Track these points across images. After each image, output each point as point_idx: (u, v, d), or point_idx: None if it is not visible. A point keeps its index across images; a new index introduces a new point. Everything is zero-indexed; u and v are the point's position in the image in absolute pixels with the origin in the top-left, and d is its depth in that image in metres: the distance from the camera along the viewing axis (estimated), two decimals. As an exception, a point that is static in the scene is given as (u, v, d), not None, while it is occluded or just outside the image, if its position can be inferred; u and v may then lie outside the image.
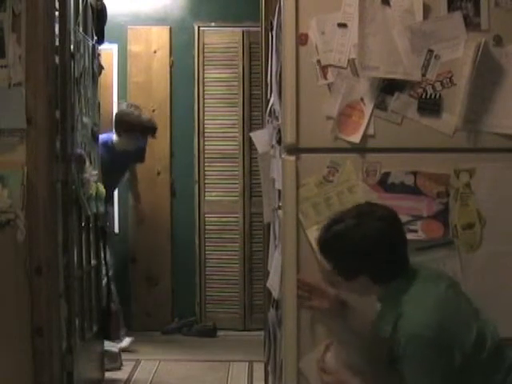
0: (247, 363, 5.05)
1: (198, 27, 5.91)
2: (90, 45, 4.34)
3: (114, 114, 5.47)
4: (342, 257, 2.39)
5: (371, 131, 2.63)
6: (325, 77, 2.63)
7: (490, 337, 2.32)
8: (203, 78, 5.87)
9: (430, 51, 2.60)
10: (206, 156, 5.85)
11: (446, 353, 2.24)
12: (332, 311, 2.57)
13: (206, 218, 5.86)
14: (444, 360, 2.24)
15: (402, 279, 2.37)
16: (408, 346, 2.24)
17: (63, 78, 3.75)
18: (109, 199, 5.05)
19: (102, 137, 5.01)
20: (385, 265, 2.37)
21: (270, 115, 3.34)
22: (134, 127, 5.29)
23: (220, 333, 5.71)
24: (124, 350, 5.09)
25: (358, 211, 2.41)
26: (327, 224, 2.43)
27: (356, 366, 2.55)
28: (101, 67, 4.61)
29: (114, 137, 5.33)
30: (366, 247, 2.34)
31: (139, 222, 5.71)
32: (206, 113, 5.84)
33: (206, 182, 5.85)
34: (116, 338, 4.81)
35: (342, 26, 2.62)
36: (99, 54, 4.56)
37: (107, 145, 5.21)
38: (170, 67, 5.92)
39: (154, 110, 5.86)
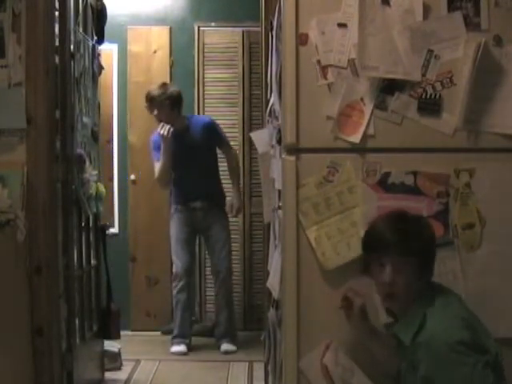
0: (247, 363, 5.05)
1: (198, 27, 5.91)
2: (90, 45, 4.34)
3: None
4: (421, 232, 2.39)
5: (371, 131, 2.63)
6: (325, 77, 2.63)
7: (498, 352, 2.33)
8: (203, 78, 5.88)
9: (430, 51, 2.60)
10: (206, 156, 5.84)
11: (477, 358, 2.24)
12: (355, 323, 2.56)
13: (206, 218, 5.86)
14: (476, 363, 2.24)
15: (425, 292, 2.37)
16: (441, 353, 2.23)
17: (63, 78, 3.75)
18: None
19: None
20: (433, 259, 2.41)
21: (270, 115, 3.34)
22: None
23: (220, 333, 5.71)
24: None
25: (407, 216, 2.43)
26: (393, 219, 2.42)
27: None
28: (101, 67, 4.61)
29: None
30: (429, 244, 2.40)
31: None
32: (206, 113, 5.83)
33: (207, 181, 5.84)
34: (116, 337, 4.81)
35: (342, 25, 2.62)
36: (99, 54, 4.56)
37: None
38: (170, 67, 5.93)
39: (154, 110, 5.86)
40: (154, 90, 5.24)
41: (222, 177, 5.51)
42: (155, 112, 5.22)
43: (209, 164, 5.40)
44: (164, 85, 5.32)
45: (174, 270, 5.36)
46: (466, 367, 2.22)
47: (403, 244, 2.36)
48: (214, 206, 5.37)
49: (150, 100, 5.22)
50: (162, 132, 5.16)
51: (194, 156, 5.27)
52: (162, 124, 5.18)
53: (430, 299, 2.34)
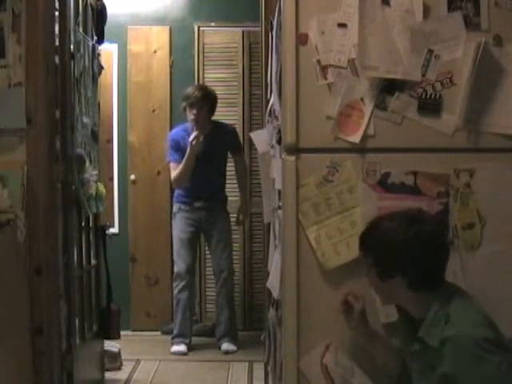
0: (247, 363, 5.05)
1: (198, 27, 5.91)
2: (90, 45, 4.34)
3: None
4: (387, 253, 2.34)
5: (371, 131, 2.62)
6: (325, 77, 2.63)
7: None
8: (203, 78, 5.88)
9: (430, 51, 2.60)
10: (206, 156, 5.83)
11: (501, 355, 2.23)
12: (355, 327, 2.55)
13: (206, 218, 5.85)
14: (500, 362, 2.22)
15: (442, 293, 2.34)
16: (467, 349, 2.21)
17: (63, 77, 3.75)
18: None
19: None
20: (425, 271, 2.34)
21: (269, 115, 3.34)
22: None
23: (220, 333, 5.71)
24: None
25: (409, 213, 2.40)
26: (375, 220, 2.41)
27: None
28: (101, 67, 4.61)
29: None
30: (415, 246, 2.31)
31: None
32: (205, 113, 5.84)
33: (206, 181, 5.83)
34: (116, 337, 4.81)
35: (342, 26, 2.62)
36: (99, 54, 4.56)
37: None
38: (170, 67, 5.93)
39: (154, 110, 5.86)
40: (196, 90, 5.24)
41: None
42: (194, 112, 5.20)
43: (220, 167, 5.43)
44: (204, 87, 5.38)
45: (175, 270, 5.36)
46: (491, 366, 2.20)
47: (361, 244, 2.44)
48: (216, 205, 5.37)
49: (195, 99, 5.19)
50: (194, 142, 5.14)
51: (209, 160, 5.27)
52: (196, 133, 5.15)
53: (448, 300, 2.32)
